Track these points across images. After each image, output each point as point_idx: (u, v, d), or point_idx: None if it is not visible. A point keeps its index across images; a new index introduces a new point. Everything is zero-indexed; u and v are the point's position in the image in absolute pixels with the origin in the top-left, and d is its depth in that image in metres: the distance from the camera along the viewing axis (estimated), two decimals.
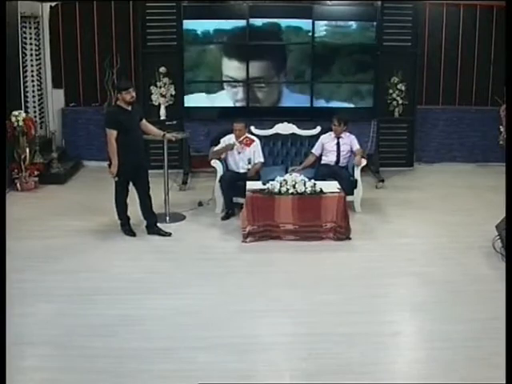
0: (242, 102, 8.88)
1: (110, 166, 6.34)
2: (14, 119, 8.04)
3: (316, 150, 7.66)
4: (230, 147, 7.31)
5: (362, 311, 4.85)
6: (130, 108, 6.31)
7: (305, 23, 8.65)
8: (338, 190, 6.55)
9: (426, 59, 9.61)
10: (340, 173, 7.36)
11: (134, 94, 6.31)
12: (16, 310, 4.67)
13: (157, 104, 9.02)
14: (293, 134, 8.11)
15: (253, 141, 7.38)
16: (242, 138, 7.33)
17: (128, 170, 6.33)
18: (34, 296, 5.06)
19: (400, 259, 5.93)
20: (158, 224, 6.65)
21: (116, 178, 6.33)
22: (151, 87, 8.95)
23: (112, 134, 6.22)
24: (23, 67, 8.94)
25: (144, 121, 6.60)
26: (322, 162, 7.63)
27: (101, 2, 9.46)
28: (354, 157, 7.51)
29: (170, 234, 6.56)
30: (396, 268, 5.71)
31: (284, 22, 8.67)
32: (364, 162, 7.48)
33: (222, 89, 8.87)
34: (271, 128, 8.11)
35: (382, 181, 8.71)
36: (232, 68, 8.80)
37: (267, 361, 4.15)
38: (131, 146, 6.28)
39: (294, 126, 8.13)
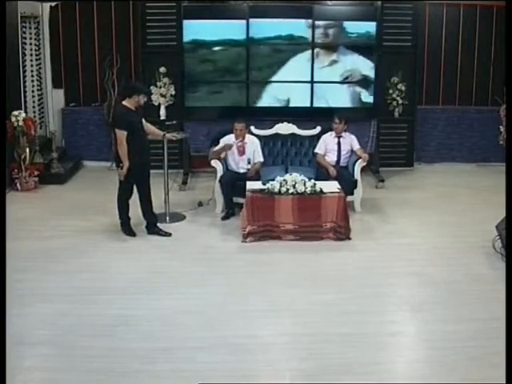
0: (242, 102, 8.89)
1: (121, 167, 6.28)
2: (13, 119, 8.04)
3: (320, 149, 7.66)
4: (228, 147, 7.32)
5: (361, 311, 4.85)
6: (134, 109, 6.31)
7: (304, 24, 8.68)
8: (337, 190, 6.55)
9: (425, 59, 9.62)
10: (340, 173, 7.36)
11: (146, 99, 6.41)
12: (16, 309, 4.67)
13: (157, 104, 9.01)
14: (293, 134, 8.11)
15: (245, 147, 7.38)
16: (240, 139, 7.33)
17: (136, 170, 6.32)
18: (34, 296, 5.06)
19: (400, 259, 5.93)
20: (158, 224, 6.66)
21: (122, 178, 6.31)
22: (151, 87, 8.94)
23: (123, 134, 6.17)
24: (23, 67, 8.94)
25: (144, 121, 6.59)
26: None
27: (101, 2, 9.46)
28: (355, 156, 7.52)
29: (170, 234, 6.57)
30: (396, 268, 5.71)
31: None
32: (367, 157, 7.48)
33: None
34: (271, 128, 8.12)
35: (382, 181, 8.72)
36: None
37: (267, 361, 4.15)
38: (139, 146, 6.27)
39: (294, 126, 8.13)
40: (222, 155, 7.39)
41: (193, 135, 8.54)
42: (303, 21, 8.62)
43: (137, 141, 6.25)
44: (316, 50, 8.71)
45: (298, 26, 8.66)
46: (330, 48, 8.75)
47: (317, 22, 8.64)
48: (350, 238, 6.43)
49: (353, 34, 8.72)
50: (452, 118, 9.77)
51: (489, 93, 9.77)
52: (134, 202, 6.59)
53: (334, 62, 8.80)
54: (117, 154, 6.31)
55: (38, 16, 9.42)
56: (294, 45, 8.71)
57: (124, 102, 6.34)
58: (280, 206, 6.36)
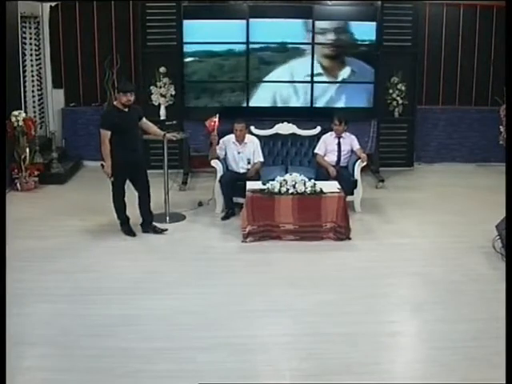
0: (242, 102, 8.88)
1: (102, 166, 6.35)
2: (14, 119, 8.05)
3: (320, 150, 7.66)
4: (214, 139, 7.29)
5: (361, 311, 4.84)
6: (126, 109, 6.31)
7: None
8: (338, 190, 6.55)
9: (425, 59, 9.62)
10: (340, 173, 7.36)
11: (131, 98, 6.26)
12: (16, 309, 4.67)
13: (157, 104, 9.02)
14: (293, 134, 8.12)
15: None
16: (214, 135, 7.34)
17: (124, 169, 6.34)
18: (34, 296, 5.06)
19: (400, 259, 5.93)
20: (159, 224, 6.68)
21: (112, 179, 6.34)
22: (151, 87, 8.96)
23: (106, 134, 6.24)
24: (23, 67, 8.95)
25: (144, 119, 6.61)
26: None
27: (101, 2, 9.47)
28: (355, 156, 7.52)
29: (165, 230, 6.60)
30: (396, 268, 5.71)
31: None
32: (365, 157, 7.48)
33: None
34: (271, 128, 8.12)
35: (382, 181, 8.72)
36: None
37: (267, 361, 4.14)
38: (127, 145, 6.29)
39: (294, 126, 8.13)
40: (222, 155, 7.39)
41: (193, 135, 8.54)
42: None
43: (125, 140, 6.27)
44: None
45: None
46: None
47: None
48: (350, 238, 6.43)
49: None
50: (452, 118, 9.78)
51: (489, 93, 9.78)
52: (133, 203, 6.59)
53: None
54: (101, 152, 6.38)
55: (38, 16, 9.42)
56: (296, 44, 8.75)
57: (115, 103, 6.47)
58: (280, 206, 6.36)
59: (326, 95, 8.90)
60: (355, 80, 8.87)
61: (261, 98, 8.85)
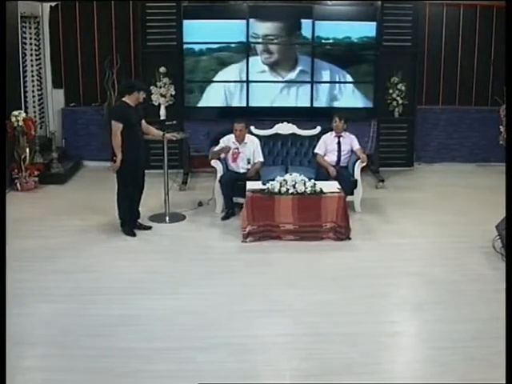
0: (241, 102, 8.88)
1: (114, 161, 6.36)
2: (14, 119, 8.05)
3: (320, 149, 7.66)
4: (227, 150, 7.31)
5: (362, 311, 4.84)
6: (133, 105, 6.39)
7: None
8: (338, 190, 6.55)
9: (425, 59, 9.62)
10: (340, 173, 7.36)
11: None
12: (15, 309, 4.67)
13: (157, 104, 9.02)
14: (293, 134, 8.12)
15: (238, 156, 7.38)
16: (236, 147, 7.33)
17: (130, 167, 6.36)
18: (34, 296, 5.06)
19: (400, 259, 5.93)
20: (159, 224, 6.73)
21: (114, 172, 6.36)
22: (151, 87, 8.95)
23: (118, 127, 6.25)
24: (23, 67, 8.95)
25: (144, 121, 6.63)
26: None
27: (101, 2, 9.47)
28: (355, 156, 7.52)
29: (150, 228, 6.67)
30: (396, 268, 5.71)
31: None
32: (365, 158, 7.48)
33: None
34: (271, 128, 8.12)
35: (382, 181, 8.71)
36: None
37: (267, 361, 4.14)
38: (133, 142, 6.33)
39: (294, 126, 8.13)
40: (222, 156, 7.39)
41: (193, 135, 8.54)
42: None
43: (132, 136, 6.31)
44: None
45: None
46: None
47: None
48: (350, 238, 6.43)
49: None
50: (452, 118, 9.78)
51: (489, 93, 9.78)
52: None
53: None
54: (112, 147, 6.39)
55: (37, 16, 9.43)
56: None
57: (124, 99, 6.46)
58: (280, 206, 6.36)
59: (326, 95, 8.90)
60: (355, 80, 8.88)
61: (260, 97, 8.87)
